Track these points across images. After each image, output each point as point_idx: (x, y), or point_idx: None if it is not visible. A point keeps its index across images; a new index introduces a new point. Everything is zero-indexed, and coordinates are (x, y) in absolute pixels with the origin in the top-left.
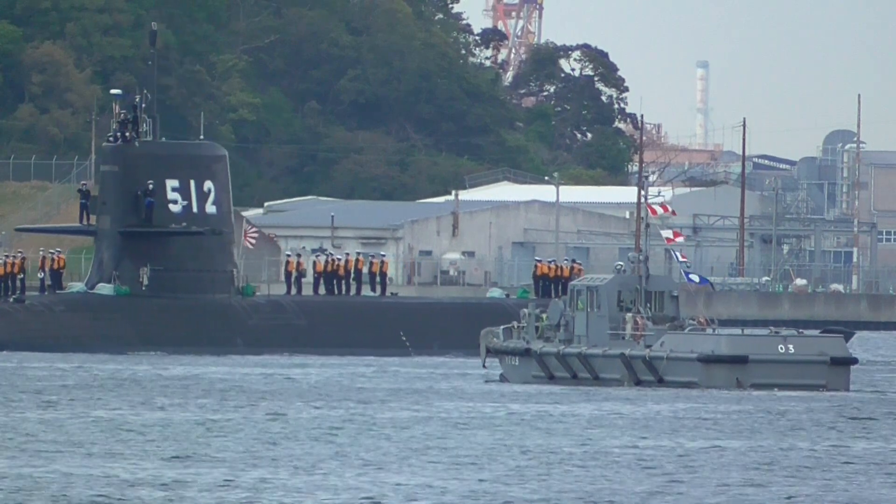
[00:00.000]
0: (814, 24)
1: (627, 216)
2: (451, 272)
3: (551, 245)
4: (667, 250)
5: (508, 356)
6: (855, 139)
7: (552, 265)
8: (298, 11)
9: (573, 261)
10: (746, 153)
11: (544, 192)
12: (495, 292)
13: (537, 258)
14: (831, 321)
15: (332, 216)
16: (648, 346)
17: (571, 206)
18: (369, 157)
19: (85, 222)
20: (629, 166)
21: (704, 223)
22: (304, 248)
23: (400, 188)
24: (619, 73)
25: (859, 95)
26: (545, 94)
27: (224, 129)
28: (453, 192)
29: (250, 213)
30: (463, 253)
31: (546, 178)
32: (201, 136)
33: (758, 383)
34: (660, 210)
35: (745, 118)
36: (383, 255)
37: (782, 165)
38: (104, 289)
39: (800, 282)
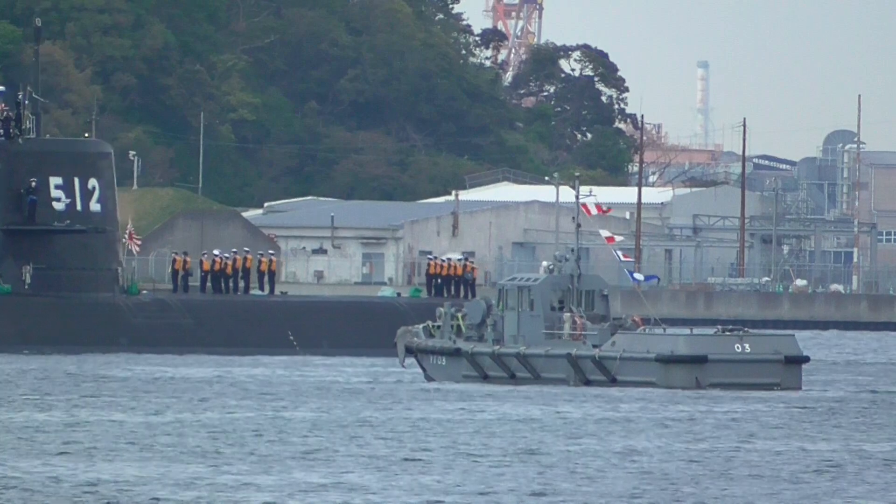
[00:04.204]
0: (814, 24)
1: (627, 216)
2: None
3: (551, 245)
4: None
5: (434, 355)
6: (855, 139)
7: (445, 263)
8: (298, 11)
9: (466, 259)
10: (747, 153)
11: (544, 193)
12: (386, 291)
13: (430, 256)
14: (831, 322)
15: (332, 216)
16: (596, 346)
17: (571, 207)
18: (369, 157)
19: None
20: (629, 167)
21: (705, 223)
22: (303, 248)
23: (400, 188)
24: (619, 73)
25: (859, 96)
26: (545, 94)
27: (224, 128)
28: (453, 193)
29: (250, 213)
30: (463, 253)
31: (546, 178)
32: (201, 136)
33: (716, 383)
34: (594, 210)
35: (745, 118)
36: (272, 254)
37: (782, 166)
38: None
39: (800, 282)
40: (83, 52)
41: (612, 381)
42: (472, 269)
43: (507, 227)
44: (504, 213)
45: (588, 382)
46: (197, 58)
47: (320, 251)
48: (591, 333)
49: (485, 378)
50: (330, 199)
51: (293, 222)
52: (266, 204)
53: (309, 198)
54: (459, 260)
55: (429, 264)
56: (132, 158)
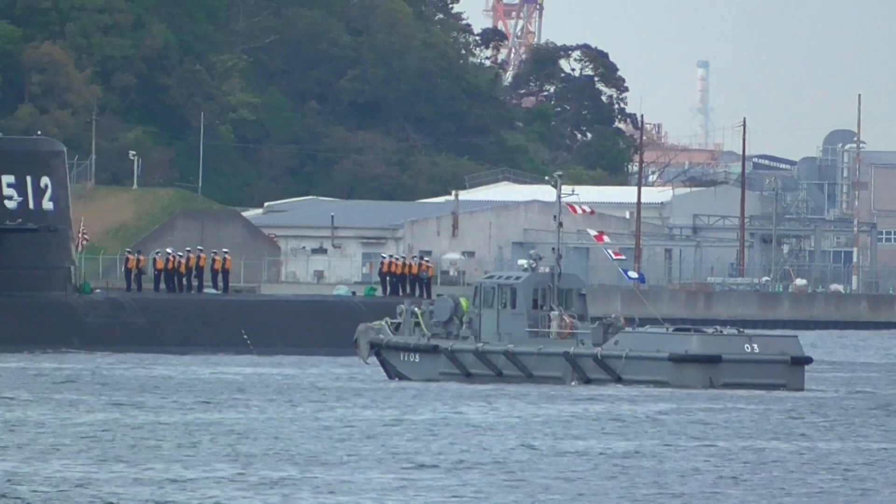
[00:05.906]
0: (814, 24)
1: (627, 216)
2: (452, 272)
3: (552, 245)
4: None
5: (406, 353)
6: (855, 139)
7: (400, 261)
8: (298, 11)
9: (422, 258)
10: (746, 153)
11: (544, 192)
12: (341, 290)
13: (383, 255)
14: (831, 322)
15: (332, 216)
16: (597, 345)
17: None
18: (369, 157)
19: None
20: (629, 166)
21: (704, 223)
22: (303, 248)
23: (400, 188)
24: (619, 73)
25: (859, 95)
26: (545, 94)
27: (224, 128)
28: (453, 193)
29: (250, 213)
30: (463, 253)
31: (546, 178)
32: (201, 136)
33: (727, 382)
34: (580, 210)
35: (745, 118)
36: (226, 252)
37: (782, 165)
38: None
39: (800, 282)
40: (83, 51)
41: (617, 381)
42: (428, 267)
43: (507, 227)
44: (504, 212)
45: (589, 381)
46: (197, 57)
47: (320, 251)
48: (585, 332)
49: (467, 376)
50: (330, 198)
51: (293, 222)
52: (266, 204)
53: (309, 197)
54: (414, 258)
55: (381, 263)
56: (132, 158)
